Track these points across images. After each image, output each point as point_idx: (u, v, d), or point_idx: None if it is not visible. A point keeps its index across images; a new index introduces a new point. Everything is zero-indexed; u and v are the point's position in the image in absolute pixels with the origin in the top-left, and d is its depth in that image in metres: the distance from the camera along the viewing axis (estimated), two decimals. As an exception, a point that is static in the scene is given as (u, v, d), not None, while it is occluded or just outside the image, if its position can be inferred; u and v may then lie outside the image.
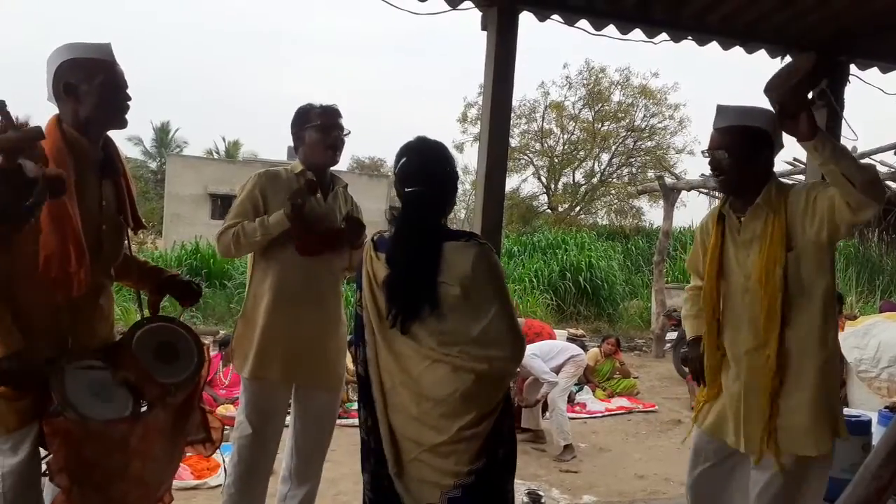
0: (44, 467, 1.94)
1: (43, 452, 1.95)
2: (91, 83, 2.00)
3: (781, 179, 2.39)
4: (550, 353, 5.98)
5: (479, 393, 1.90)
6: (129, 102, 2.09)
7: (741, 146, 2.27)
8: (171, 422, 2.14)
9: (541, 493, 3.89)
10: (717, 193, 10.43)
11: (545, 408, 5.88)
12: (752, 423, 2.30)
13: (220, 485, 3.62)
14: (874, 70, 3.83)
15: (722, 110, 2.33)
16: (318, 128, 2.75)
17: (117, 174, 2.14)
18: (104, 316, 2.14)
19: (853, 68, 3.69)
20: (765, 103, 2.26)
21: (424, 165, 2.00)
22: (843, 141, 3.50)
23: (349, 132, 2.81)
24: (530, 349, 5.96)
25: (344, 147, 2.82)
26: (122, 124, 2.09)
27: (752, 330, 2.32)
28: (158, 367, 2.12)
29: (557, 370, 5.81)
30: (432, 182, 1.99)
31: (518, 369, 5.70)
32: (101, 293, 2.10)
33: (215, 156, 29.33)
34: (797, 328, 2.26)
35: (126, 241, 2.24)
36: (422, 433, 1.92)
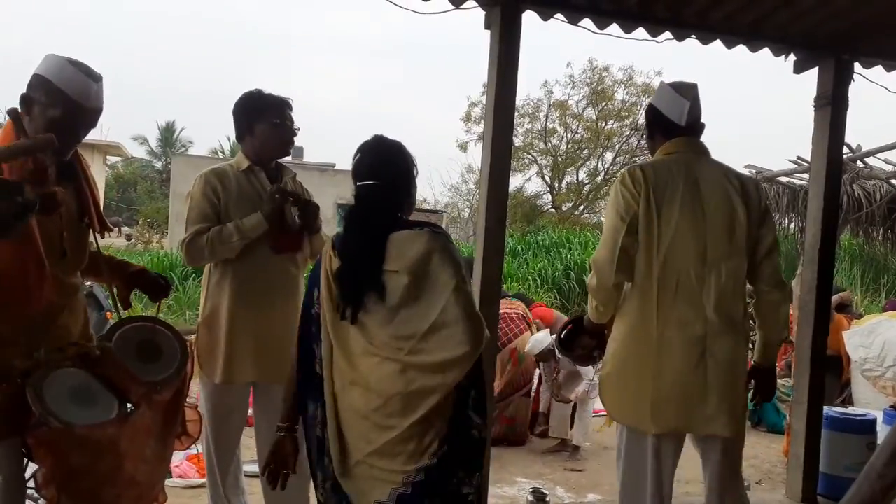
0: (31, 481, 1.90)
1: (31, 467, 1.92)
2: (45, 112, 1.92)
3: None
4: None
5: (429, 389, 1.87)
6: (76, 142, 2.00)
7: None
8: (161, 420, 2.12)
9: (545, 491, 3.89)
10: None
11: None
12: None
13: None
14: (879, 69, 3.83)
15: None
16: (274, 125, 2.67)
17: (78, 179, 2.08)
18: (77, 318, 2.10)
19: (857, 67, 3.69)
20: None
21: (375, 161, 2.02)
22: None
23: (299, 128, 2.75)
24: None
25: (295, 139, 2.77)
26: (58, 156, 1.98)
27: None
28: (141, 367, 2.10)
29: None
30: (382, 176, 2.00)
31: (557, 360, 5.67)
32: (72, 297, 2.07)
33: (220, 155, 29.36)
34: None
35: (94, 241, 2.18)
36: (370, 432, 1.90)
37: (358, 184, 2.01)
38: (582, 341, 2.67)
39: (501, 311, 6.38)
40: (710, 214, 2.31)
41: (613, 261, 2.28)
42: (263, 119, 2.67)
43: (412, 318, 1.88)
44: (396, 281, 1.89)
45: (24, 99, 1.93)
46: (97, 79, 1.98)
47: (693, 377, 2.27)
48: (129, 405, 2.01)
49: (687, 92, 2.45)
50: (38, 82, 1.94)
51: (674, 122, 2.43)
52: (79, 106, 1.94)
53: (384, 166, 2.02)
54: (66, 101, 1.92)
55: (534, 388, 6.17)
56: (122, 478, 1.96)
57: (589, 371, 5.62)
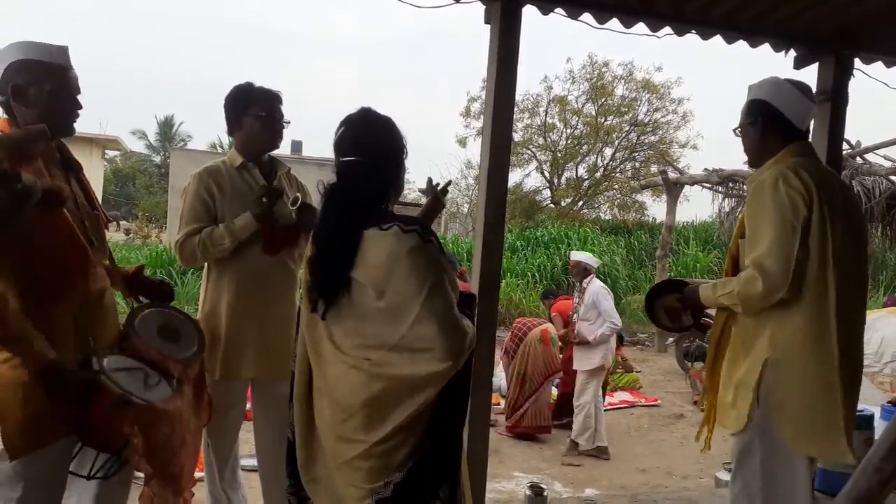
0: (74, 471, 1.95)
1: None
2: (41, 89, 1.91)
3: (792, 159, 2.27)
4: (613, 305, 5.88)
5: (398, 403, 1.68)
6: (79, 111, 2.01)
7: (742, 117, 2.42)
8: (193, 394, 2.22)
9: (543, 486, 3.89)
10: (719, 188, 10.40)
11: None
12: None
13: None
14: (878, 64, 3.82)
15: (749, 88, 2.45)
16: (261, 118, 2.65)
17: (77, 171, 2.09)
18: (113, 307, 2.15)
19: (857, 62, 3.68)
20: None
21: (360, 135, 1.83)
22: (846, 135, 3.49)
23: (289, 121, 2.73)
24: (604, 289, 5.88)
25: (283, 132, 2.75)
26: (69, 132, 2.02)
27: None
28: (169, 347, 2.18)
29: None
30: (367, 153, 1.81)
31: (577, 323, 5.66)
32: (107, 287, 2.10)
33: (219, 150, 29.31)
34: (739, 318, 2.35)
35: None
36: (337, 445, 1.76)
37: (341, 160, 1.83)
38: (668, 301, 2.51)
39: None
40: (854, 227, 2.21)
41: (789, 273, 2.10)
42: (250, 112, 2.65)
43: (378, 331, 1.69)
44: (362, 290, 1.72)
45: (14, 88, 1.91)
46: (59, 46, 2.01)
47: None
48: (173, 381, 2.10)
49: (812, 94, 2.32)
50: (17, 68, 1.91)
51: (794, 125, 2.30)
52: (64, 70, 1.96)
53: (370, 142, 1.82)
54: (52, 68, 1.93)
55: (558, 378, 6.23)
56: (185, 449, 2.07)
57: (612, 312, 5.62)
